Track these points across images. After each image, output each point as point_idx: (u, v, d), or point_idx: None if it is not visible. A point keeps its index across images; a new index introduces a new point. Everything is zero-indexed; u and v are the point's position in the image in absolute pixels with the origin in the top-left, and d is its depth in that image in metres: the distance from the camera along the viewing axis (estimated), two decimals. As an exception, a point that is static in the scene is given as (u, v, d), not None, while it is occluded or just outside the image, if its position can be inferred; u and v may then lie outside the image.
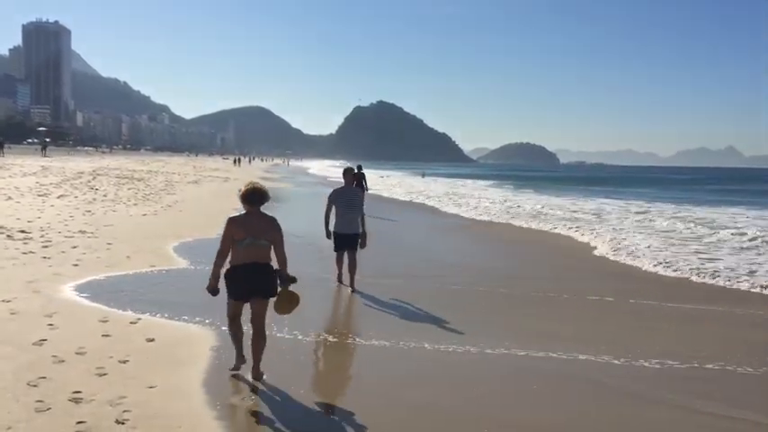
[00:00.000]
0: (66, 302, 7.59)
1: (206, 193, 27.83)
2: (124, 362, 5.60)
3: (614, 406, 5.22)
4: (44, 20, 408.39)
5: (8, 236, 11.88)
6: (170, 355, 5.94)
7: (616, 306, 8.94)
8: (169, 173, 45.12)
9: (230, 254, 5.34)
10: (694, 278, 11.03)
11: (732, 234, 16.54)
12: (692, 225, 19.40)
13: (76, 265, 9.83)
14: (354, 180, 9.72)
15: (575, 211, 25.27)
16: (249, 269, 5.26)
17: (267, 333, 5.61)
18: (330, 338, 6.92)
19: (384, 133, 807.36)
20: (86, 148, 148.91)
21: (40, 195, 19.99)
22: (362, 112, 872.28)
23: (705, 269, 11.52)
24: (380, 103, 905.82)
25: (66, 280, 8.76)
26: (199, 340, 6.51)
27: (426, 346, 6.61)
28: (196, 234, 13.24)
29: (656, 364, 6.23)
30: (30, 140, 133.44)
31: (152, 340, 6.30)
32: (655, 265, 12.05)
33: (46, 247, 11.08)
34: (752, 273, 11.23)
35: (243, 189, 5.49)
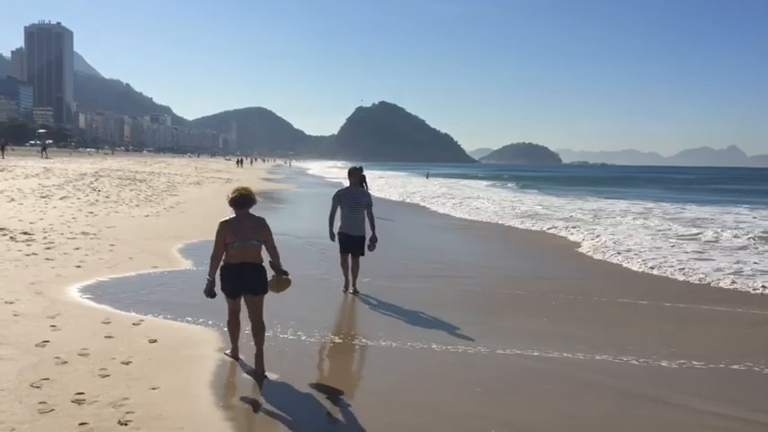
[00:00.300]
0: (69, 304, 7.59)
1: (208, 195, 27.83)
2: (127, 363, 5.60)
3: (615, 406, 5.21)
4: (46, 22, 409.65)
5: (11, 237, 11.89)
6: (173, 356, 5.95)
7: (609, 306, 8.92)
8: (171, 174, 45.16)
9: (224, 255, 5.64)
10: (681, 277, 10.98)
11: (734, 235, 16.45)
12: (692, 225, 19.37)
13: (79, 266, 9.84)
14: (357, 180, 9.35)
15: (572, 211, 25.29)
16: (241, 268, 5.60)
17: (270, 334, 5.89)
18: (332, 339, 6.91)
19: (386, 134, 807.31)
20: (89, 149, 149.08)
21: (42, 197, 20.01)
22: (364, 112, 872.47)
23: (693, 269, 11.51)
24: (382, 103, 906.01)
25: (69, 281, 8.77)
26: (202, 341, 6.51)
27: (426, 346, 6.60)
28: (198, 235, 13.24)
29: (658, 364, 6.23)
30: (32, 142, 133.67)
31: (155, 341, 6.30)
32: (647, 266, 11.99)
33: (49, 248, 11.09)
34: (738, 272, 11.28)
35: (230, 195, 5.75)
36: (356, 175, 9.26)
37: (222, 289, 5.71)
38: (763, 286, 10.08)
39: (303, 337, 6.77)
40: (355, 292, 8.95)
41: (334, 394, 5.35)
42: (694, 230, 17.60)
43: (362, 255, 9.04)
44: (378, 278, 9.90)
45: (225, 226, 5.62)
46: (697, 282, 10.62)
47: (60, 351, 5.77)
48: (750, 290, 9.99)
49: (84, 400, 4.72)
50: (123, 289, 8.62)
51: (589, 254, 13.76)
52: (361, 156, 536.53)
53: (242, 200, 5.70)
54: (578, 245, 15.24)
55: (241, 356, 6.01)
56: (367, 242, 9.00)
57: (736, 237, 16.17)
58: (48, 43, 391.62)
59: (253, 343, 5.77)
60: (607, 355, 6.48)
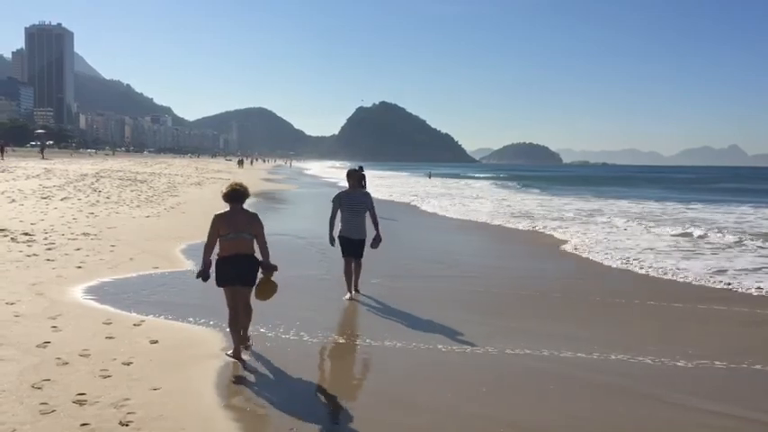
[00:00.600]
0: (70, 305, 7.60)
1: (209, 195, 27.83)
2: (128, 364, 5.61)
3: (618, 405, 5.21)
4: (47, 22, 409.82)
5: (12, 238, 11.90)
6: (174, 356, 5.95)
7: (609, 306, 8.92)
8: (172, 175, 45.18)
9: (218, 246, 5.96)
10: (680, 278, 10.92)
11: (736, 237, 16.39)
12: (692, 225, 19.33)
13: (80, 267, 9.84)
14: (360, 182, 9.13)
15: (572, 211, 25.33)
16: (234, 260, 5.92)
17: (273, 335, 6.30)
18: (335, 339, 6.91)
19: (386, 134, 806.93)
20: (89, 150, 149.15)
21: (43, 198, 20.03)
22: (365, 112, 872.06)
23: (693, 269, 11.50)
24: (383, 103, 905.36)
25: (70, 282, 8.78)
26: (203, 342, 6.52)
27: (430, 346, 6.60)
28: (199, 235, 13.15)
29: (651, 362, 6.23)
30: (33, 143, 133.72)
31: (156, 342, 6.30)
32: (646, 267, 11.98)
33: (49, 249, 11.10)
34: (721, 271, 11.34)
35: (225, 190, 6.07)
36: (355, 177, 8.97)
37: (218, 282, 5.98)
38: (758, 287, 10.05)
39: (306, 338, 6.77)
40: (357, 292, 8.86)
41: (337, 394, 5.35)
42: (694, 230, 17.57)
43: (361, 256, 8.84)
44: (378, 278, 9.89)
45: (220, 218, 5.96)
46: (697, 282, 10.59)
47: (61, 352, 5.78)
48: (749, 290, 9.95)
49: (85, 400, 4.72)
50: (124, 290, 8.63)
51: (587, 255, 13.73)
52: (362, 156, 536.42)
53: (236, 194, 6.01)
54: (577, 246, 15.22)
55: (244, 357, 6.05)
56: (369, 242, 8.79)
57: (736, 238, 16.13)
58: (48, 44, 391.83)
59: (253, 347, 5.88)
60: (610, 354, 6.47)
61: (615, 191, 49.86)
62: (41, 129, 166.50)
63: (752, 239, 15.74)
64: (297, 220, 20.94)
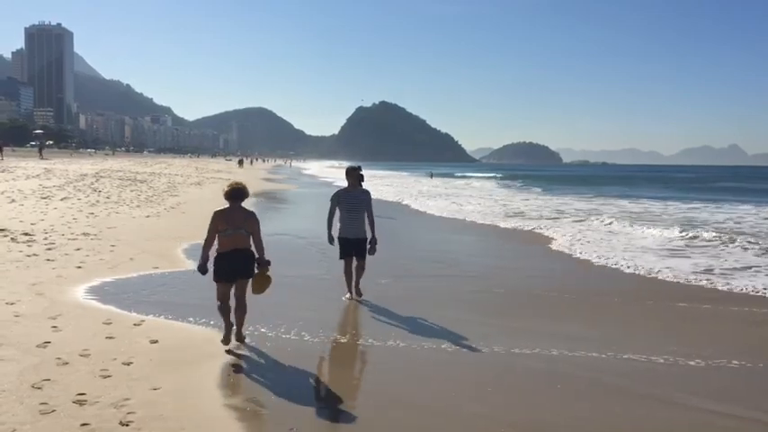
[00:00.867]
0: (70, 305, 7.59)
1: (209, 195, 27.83)
2: (128, 364, 5.61)
3: (617, 405, 5.21)
4: (46, 23, 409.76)
5: (12, 238, 11.90)
6: (174, 356, 5.95)
7: (608, 305, 8.93)
8: (172, 175, 45.18)
9: (216, 242, 6.29)
10: (678, 278, 10.87)
11: (738, 239, 16.34)
12: (691, 225, 19.34)
13: (80, 267, 9.84)
14: (359, 180, 8.78)
15: (570, 210, 25.36)
16: (232, 255, 6.26)
17: (273, 334, 6.46)
18: (337, 339, 6.90)
19: (386, 133, 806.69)
20: (89, 150, 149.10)
21: (43, 198, 20.03)
22: (365, 112, 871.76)
23: (692, 269, 11.51)
24: (383, 103, 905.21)
25: (70, 282, 8.78)
26: (203, 341, 6.51)
27: (433, 346, 6.61)
28: (199, 235, 13.10)
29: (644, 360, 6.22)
30: (33, 143, 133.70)
31: (156, 342, 6.30)
32: (645, 267, 11.97)
33: (49, 249, 11.10)
34: (708, 270, 11.44)
35: (226, 188, 6.44)
36: (354, 175, 8.72)
37: (216, 275, 6.29)
38: (764, 288, 10.06)
39: (306, 338, 6.77)
40: (359, 295, 8.61)
41: (337, 394, 5.35)
42: (694, 230, 17.56)
43: (364, 257, 8.58)
44: (378, 277, 9.88)
45: (219, 215, 6.30)
46: (697, 282, 10.57)
47: (61, 352, 5.78)
48: (748, 290, 9.95)
49: (85, 400, 4.72)
50: (124, 289, 8.63)
51: (583, 256, 13.72)
52: (362, 155, 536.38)
53: (235, 193, 6.37)
54: (576, 247, 15.22)
55: (240, 352, 6.24)
56: (368, 245, 8.59)
57: (737, 237, 16.12)
58: (48, 44, 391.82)
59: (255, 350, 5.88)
60: (611, 354, 6.48)
61: (616, 190, 49.84)
62: (40, 129, 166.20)
63: (751, 239, 15.73)
64: (297, 220, 20.92)
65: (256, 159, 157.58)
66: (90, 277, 9.17)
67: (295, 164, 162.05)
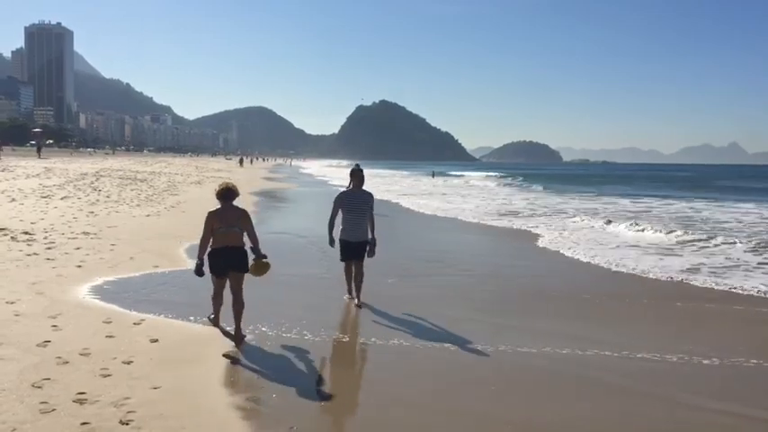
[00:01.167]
0: (70, 304, 7.59)
1: (209, 194, 27.80)
2: (128, 363, 5.60)
3: (620, 404, 5.21)
4: (46, 22, 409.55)
5: (12, 237, 11.89)
6: (174, 355, 5.95)
7: (608, 305, 8.93)
8: (172, 174, 45.17)
9: (211, 240, 6.58)
10: (677, 277, 10.85)
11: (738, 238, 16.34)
12: (691, 224, 19.27)
13: (80, 266, 9.84)
14: (360, 181, 8.48)
15: (568, 209, 25.35)
16: (226, 251, 6.55)
17: (273, 334, 6.54)
18: (338, 338, 6.90)
19: (386, 132, 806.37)
20: (89, 149, 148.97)
21: (43, 197, 20.02)
22: (365, 111, 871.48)
23: (691, 268, 11.50)
24: (383, 102, 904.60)
25: (70, 281, 8.77)
26: (203, 340, 6.51)
27: (435, 345, 6.61)
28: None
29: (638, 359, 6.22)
30: (33, 143, 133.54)
31: (156, 341, 6.30)
32: (644, 267, 11.96)
33: (49, 248, 11.09)
34: (693, 269, 11.44)
35: (217, 188, 6.78)
36: (358, 176, 8.44)
37: (211, 270, 6.62)
38: (762, 286, 10.06)
39: (307, 336, 6.76)
40: (359, 306, 8.23)
41: (338, 393, 5.35)
42: (693, 228, 17.57)
43: (363, 259, 8.40)
44: (378, 275, 9.88)
45: (213, 215, 6.63)
46: (696, 283, 10.56)
47: (61, 351, 5.78)
48: (749, 290, 9.94)
49: (85, 399, 4.72)
50: (124, 288, 8.62)
51: (578, 256, 13.71)
52: (362, 154, 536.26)
53: (227, 193, 6.70)
54: (577, 247, 15.22)
55: (222, 324, 6.86)
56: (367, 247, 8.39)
57: (738, 236, 16.12)
58: (48, 43, 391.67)
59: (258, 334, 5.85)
60: (611, 353, 6.48)
61: (616, 189, 49.82)
62: (39, 128, 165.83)
63: (750, 238, 15.72)
64: (297, 219, 20.92)
65: (256, 158, 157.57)
66: (90, 276, 9.17)
67: (295, 163, 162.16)
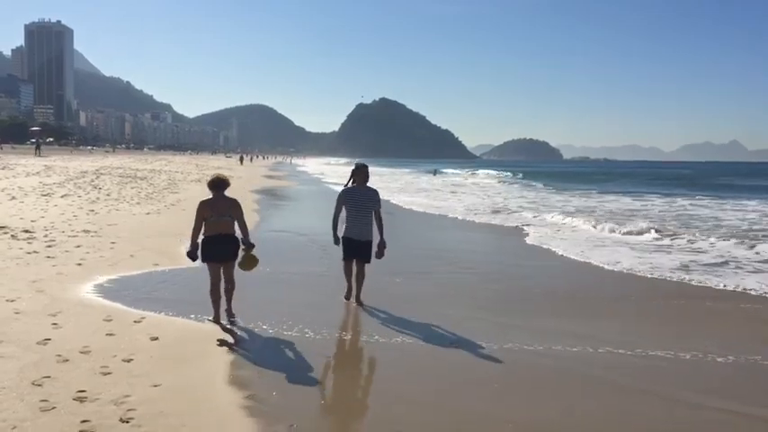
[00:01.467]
0: (71, 302, 7.59)
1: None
2: (128, 360, 5.60)
3: (622, 402, 5.20)
4: (46, 20, 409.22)
5: (12, 236, 11.89)
6: (174, 353, 5.94)
7: (608, 303, 8.93)
8: (172, 172, 45.15)
9: (204, 228, 6.92)
10: (676, 276, 10.85)
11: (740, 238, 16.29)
12: (690, 223, 19.24)
13: (80, 264, 9.84)
14: (365, 178, 8.20)
15: (563, 209, 25.36)
16: (217, 239, 6.91)
17: (273, 332, 6.63)
18: (334, 336, 6.89)
19: (387, 130, 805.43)
20: (89, 147, 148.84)
21: (43, 195, 20.01)
22: (365, 109, 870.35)
23: (690, 267, 11.50)
24: (383, 99, 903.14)
25: (70, 279, 8.77)
26: (203, 338, 6.51)
27: (435, 342, 6.61)
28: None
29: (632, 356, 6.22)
30: (32, 140, 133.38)
31: (156, 339, 6.30)
32: (641, 266, 11.95)
33: (50, 246, 11.09)
34: (684, 267, 11.43)
35: (209, 179, 7.21)
36: (363, 173, 8.17)
37: (204, 258, 6.94)
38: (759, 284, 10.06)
39: (308, 334, 6.75)
40: (359, 304, 8.15)
41: (338, 391, 5.35)
42: (693, 227, 17.55)
43: (368, 261, 8.18)
44: (379, 274, 9.87)
45: (204, 204, 7.03)
46: (697, 282, 10.53)
47: (62, 349, 5.77)
48: (749, 289, 9.93)
49: (85, 397, 4.72)
50: (124, 286, 8.62)
51: (574, 256, 13.72)
52: (362, 152, 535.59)
53: (219, 183, 7.09)
54: (572, 245, 15.22)
55: (222, 321, 6.98)
56: (374, 248, 8.16)
57: (738, 235, 16.10)
58: (48, 41, 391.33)
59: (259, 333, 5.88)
60: (612, 350, 6.49)
61: (617, 187, 49.80)
62: (39, 126, 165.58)
63: (752, 236, 15.72)
64: (298, 217, 20.95)
65: (256, 156, 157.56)
66: (90, 274, 9.17)
67: (294, 161, 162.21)
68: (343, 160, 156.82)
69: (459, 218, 21.21)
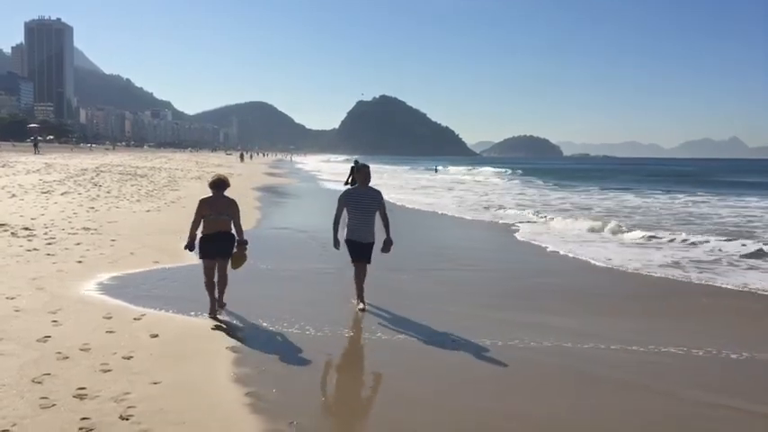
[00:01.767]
0: (71, 299, 7.58)
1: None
2: (128, 358, 5.60)
3: (620, 398, 5.20)
4: (46, 17, 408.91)
5: (12, 233, 11.89)
6: (174, 350, 5.94)
7: (608, 302, 8.93)
8: (172, 169, 45.12)
9: (202, 225, 7.24)
10: (674, 274, 10.86)
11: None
12: (689, 222, 19.17)
13: (80, 261, 9.83)
14: (367, 179, 7.87)
15: (563, 207, 25.30)
16: (215, 236, 7.22)
17: (275, 328, 6.71)
18: (335, 333, 6.87)
19: (387, 127, 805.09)
20: (90, 144, 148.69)
21: (43, 192, 20.01)
22: (365, 106, 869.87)
23: (689, 266, 11.47)
24: (383, 97, 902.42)
25: (70, 277, 8.77)
26: (203, 336, 6.51)
27: (436, 340, 6.60)
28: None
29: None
30: (31, 138, 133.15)
31: (156, 336, 6.29)
32: (640, 265, 11.93)
33: (50, 244, 11.09)
34: (678, 264, 11.44)
35: (210, 179, 7.53)
36: (364, 172, 7.84)
37: (201, 254, 7.26)
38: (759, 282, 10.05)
39: (308, 331, 6.75)
40: (361, 299, 7.86)
41: (339, 389, 5.34)
42: (693, 224, 17.53)
43: (369, 262, 7.91)
44: (379, 270, 9.86)
45: (204, 202, 7.33)
46: (698, 281, 10.53)
47: (62, 346, 5.77)
48: (748, 288, 9.94)
49: (85, 395, 4.71)
50: (124, 284, 8.62)
51: (572, 254, 13.71)
52: (362, 149, 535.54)
53: (219, 183, 7.42)
54: (570, 243, 15.21)
55: (220, 317, 7.09)
56: (380, 246, 7.83)
57: (738, 234, 16.08)
58: (48, 39, 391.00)
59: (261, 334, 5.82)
60: (612, 348, 6.48)
61: (616, 184, 49.76)
62: (39, 123, 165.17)
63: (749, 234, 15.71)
64: (298, 214, 20.95)
65: (256, 153, 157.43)
66: (90, 272, 9.16)
67: (295, 158, 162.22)
68: (342, 157, 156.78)
69: (459, 216, 21.21)
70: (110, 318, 6.83)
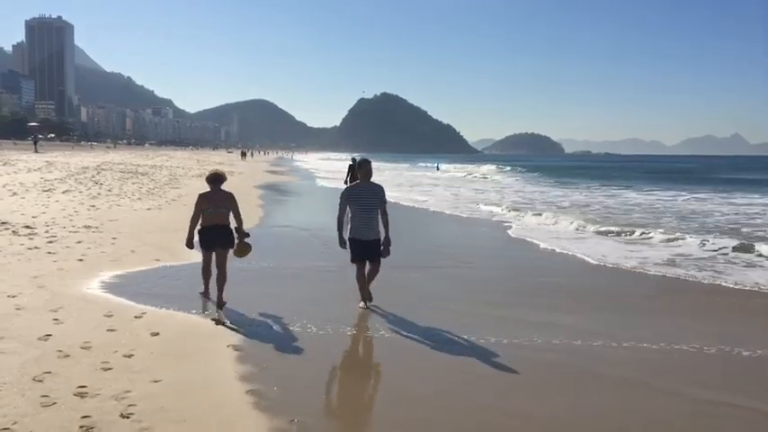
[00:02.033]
0: (72, 297, 7.57)
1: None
2: (129, 356, 5.59)
3: (623, 396, 5.19)
4: (47, 15, 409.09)
5: (13, 231, 11.89)
6: (175, 348, 5.93)
7: (607, 301, 8.91)
8: (173, 167, 45.12)
9: (201, 219, 7.48)
10: (674, 273, 10.83)
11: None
12: (688, 220, 19.15)
13: (81, 259, 9.83)
14: (369, 174, 7.69)
15: (562, 205, 25.27)
16: (213, 229, 7.48)
17: (277, 326, 6.72)
18: (337, 331, 6.86)
19: (388, 125, 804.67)
20: (91, 143, 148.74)
21: (44, 191, 20.01)
22: (366, 103, 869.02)
23: (688, 265, 11.39)
24: (384, 94, 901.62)
25: (71, 275, 8.76)
26: (203, 334, 6.50)
27: (436, 338, 6.59)
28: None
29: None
30: (31, 136, 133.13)
31: (157, 334, 6.28)
32: (639, 263, 11.92)
33: (51, 242, 11.09)
34: (673, 261, 11.41)
35: (208, 174, 7.79)
36: (365, 168, 7.65)
37: (200, 244, 7.58)
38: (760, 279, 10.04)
39: (310, 329, 6.73)
40: (369, 297, 7.81)
41: (340, 387, 5.33)
42: (692, 223, 17.50)
43: (379, 260, 7.72)
44: (382, 268, 9.84)
45: (202, 197, 7.60)
46: (698, 280, 10.51)
47: (62, 344, 5.76)
48: (750, 286, 9.91)
49: (86, 393, 4.71)
50: (125, 282, 8.61)
51: (572, 252, 13.69)
52: (363, 147, 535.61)
53: (216, 177, 7.70)
54: (569, 241, 15.20)
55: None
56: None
57: (738, 232, 16.04)
58: (49, 37, 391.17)
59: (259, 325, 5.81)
60: (613, 346, 6.47)
61: (616, 182, 49.69)
62: (40, 122, 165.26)
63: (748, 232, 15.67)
64: (299, 212, 20.96)
65: (257, 151, 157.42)
66: (91, 270, 9.16)
67: (296, 156, 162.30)
68: (343, 155, 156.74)
69: (459, 214, 21.20)
70: (111, 316, 6.82)
